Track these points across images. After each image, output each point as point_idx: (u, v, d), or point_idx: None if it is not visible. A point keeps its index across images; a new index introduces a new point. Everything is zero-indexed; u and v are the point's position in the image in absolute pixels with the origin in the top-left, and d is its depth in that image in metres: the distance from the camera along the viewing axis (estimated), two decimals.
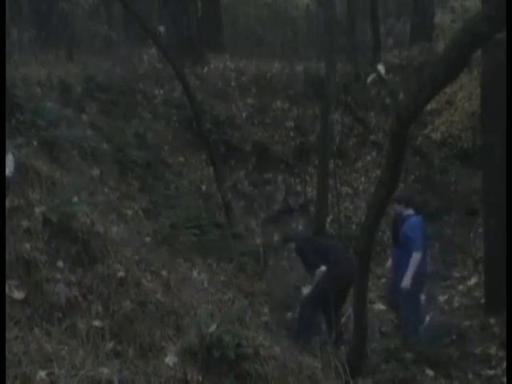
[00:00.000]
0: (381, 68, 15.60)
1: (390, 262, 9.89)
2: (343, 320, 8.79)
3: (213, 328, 5.48)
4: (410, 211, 8.93)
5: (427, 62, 15.04)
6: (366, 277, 7.28)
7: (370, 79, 14.98)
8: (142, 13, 12.70)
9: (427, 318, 9.51)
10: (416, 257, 8.65)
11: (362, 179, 15.18)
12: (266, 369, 5.54)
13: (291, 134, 15.42)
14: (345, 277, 8.46)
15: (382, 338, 8.96)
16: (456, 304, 10.76)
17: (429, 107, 11.62)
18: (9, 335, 4.84)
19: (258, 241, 11.10)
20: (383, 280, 11.02)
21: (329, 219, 12.96)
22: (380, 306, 10.23)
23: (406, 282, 8.66)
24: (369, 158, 15.74)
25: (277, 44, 22.36)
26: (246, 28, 24.21)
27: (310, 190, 14.13)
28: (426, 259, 9.14)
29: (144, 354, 5.39)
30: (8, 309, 5.09)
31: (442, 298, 11.05)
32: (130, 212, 8.94)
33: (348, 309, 8.73)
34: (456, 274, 12.29)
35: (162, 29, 15.25)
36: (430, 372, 7.83)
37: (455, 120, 14.48)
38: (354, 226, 13.25)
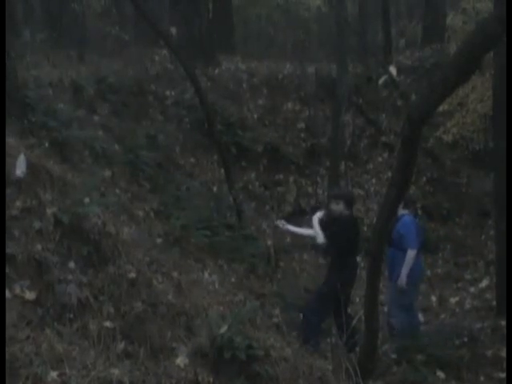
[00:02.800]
0: (392, 69, 15.62)
1: None
2: (354, 322, 8.76)
3: (224, 329, 5.49)
4: (406, 211, 8.95)
5: (439, 64, 15.04)
6: (378, 278, 7.26)
7: (381, 80, 14.98)
8: (153, 14, 12.73)
9: (421, 318, 9.51)
10: (411, 253, 8.66)
11: (374, 181, 15.16)
12: (277, 370, 5.54)
13: (302, 135, 15.42)
14: (352, 275, 8.42)
15: (392, 339, 8.92)
16: (467, 306, 10.74)
17: (440, 109, 11.57)
18: (20, 335, 4.85)
19: (269, 242, 11.09)
20: None
21: None
22: None
23: (402, 279, 8.67)
24: (380, 159, 15.72)
25: (288, 45, 22.38)
26: (257, 29, 24.24)
27: (321, 191, 14.12)
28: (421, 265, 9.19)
29: (155, 355, 5.40)
30: (20, 309, 5.11)
31: (453, 300, 11.04)
32: (141, 213, 8.95)
33: (359, 311, 8.70)
34: (467, 276, 12.27)
35: (173, 30, 15.28)
36: (441, 374, 7.80)
37: (467, 122, 14.46)
38: (365, 228, 13.23)
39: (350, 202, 8.43)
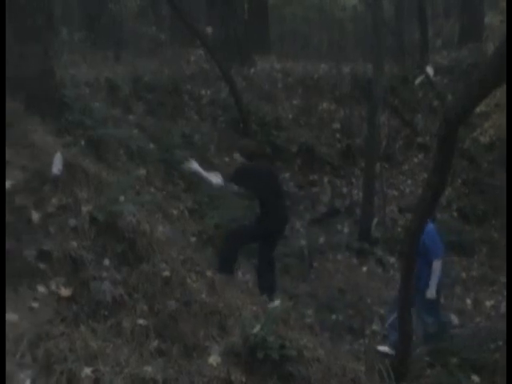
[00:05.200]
0: (429, 70, 15.51)
1: None
2: (388, 322, 8.71)
3: (257, 329, 5.48)
4: None
5: (476, 64, 14.89)
6: (411, 280, 7.21)
7: (418, 81, 14.85)
8: (189, 14, 12.78)
9: (453, 318, 9.41)
10: (437, 264, 8.55)
11: (409, 182, 15.06)
12: (310, 371, 5.53)
13: (337, 135, 15.36)
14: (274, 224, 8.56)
15: (426, 342, 8.86)
16: (503, 309, 10.62)
17: (477, 110, 11.45)
18: (55, 332, 4.90)
19: (303, 242, 11.07)
20: None
21: (374, 222, 12.87)
22: None
23: (432, 290, 8.55)
24: (416, 160, 15.62)
25: (324, 45, 22.32)
26: (292, 29, 24.21)
27: (355, 192, 14.05)
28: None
29: (188, 354, 5.41)
30: (55, 306, 5.16)
31: (488, 303, 10.93)
32: (175, 212, 9.00)
33: (392, 313, 8.65)
34: (503, 279, 12.13)
35: (209, 30, 15.33)
36: (475, 378, 7.72)
37: (504, 123, 14.30)
38: (399, 229, 13.14)
39: (245, 154, 8.68)
